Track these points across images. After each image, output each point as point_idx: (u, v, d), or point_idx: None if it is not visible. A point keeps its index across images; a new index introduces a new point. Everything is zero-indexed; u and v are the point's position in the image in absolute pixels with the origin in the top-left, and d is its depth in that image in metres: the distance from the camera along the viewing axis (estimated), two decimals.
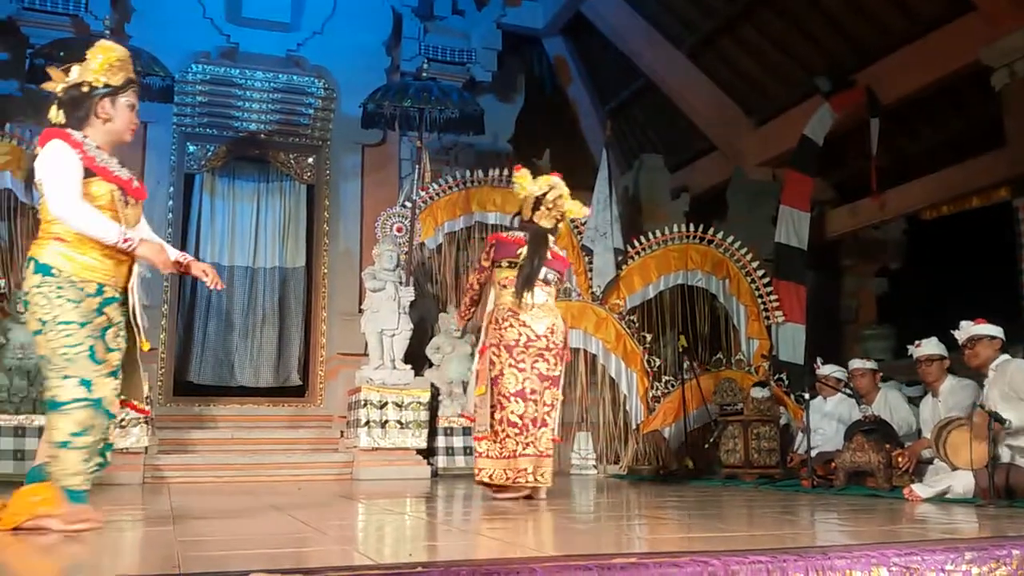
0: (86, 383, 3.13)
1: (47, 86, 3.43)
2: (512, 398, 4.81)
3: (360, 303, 8.51)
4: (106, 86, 3.35)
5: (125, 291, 3.38)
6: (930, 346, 5.57)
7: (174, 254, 3.53)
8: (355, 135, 9.13)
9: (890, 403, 6.37)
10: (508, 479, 4.80)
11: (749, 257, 9.02)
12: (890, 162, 9.52)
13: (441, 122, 8.69)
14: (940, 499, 4.79)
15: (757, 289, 8.94)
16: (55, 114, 3.36)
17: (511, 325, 4.86)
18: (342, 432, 8.39)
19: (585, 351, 8.52)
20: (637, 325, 8.62)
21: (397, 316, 8.05)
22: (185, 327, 9.16)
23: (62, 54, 7.52)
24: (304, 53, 9.17)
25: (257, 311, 9.39)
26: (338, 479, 7.55)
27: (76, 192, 3.19)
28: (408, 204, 8.71)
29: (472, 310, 5.48)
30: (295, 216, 9.68)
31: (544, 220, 5.11)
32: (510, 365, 4.83)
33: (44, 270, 3.18)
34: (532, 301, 4.92)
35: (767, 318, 8.88)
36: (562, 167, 10.38)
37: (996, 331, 5.10)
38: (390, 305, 8.04)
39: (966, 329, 5.16)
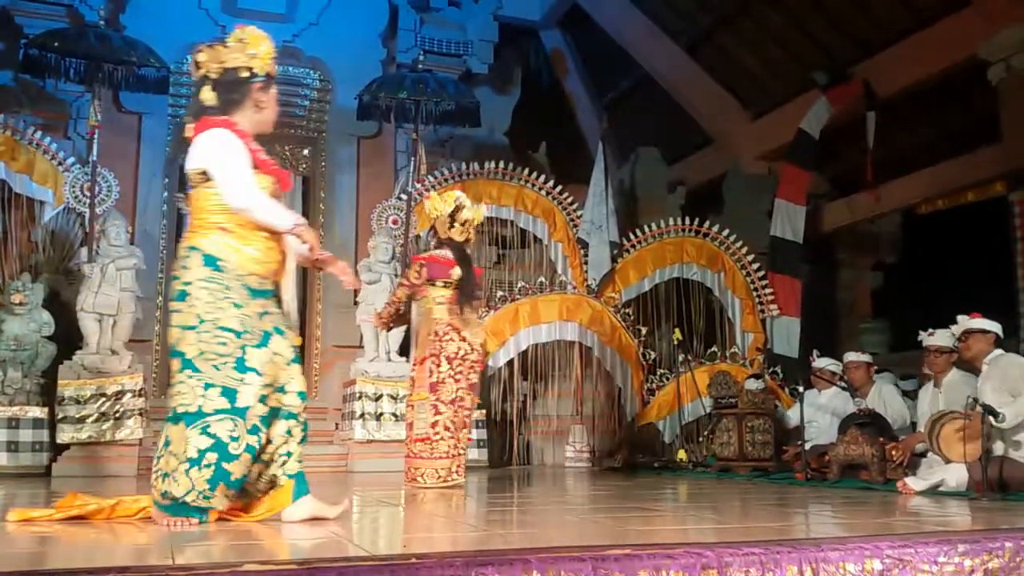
0: (229, 393, 3.01)
1: (194, 72, 3.31)
2: (447, 405, 5.25)
3: (355, 295, 8.50)
4: (266, 75, 3.31)
5: (275, 285, 3.27)
6: (943, 337, 5.52)
7: None
8: (351, 127, 9.11)
9: (884, 396, 6.38)
10: (440, 477, 5.21)
11: (744, 251, 9.04)
12: (886, 156, 9.53)
13: (437, 114, 8.68)
14: (933, 492, 4.79)
15: (752, 282, 8.95)
16: (209, 96, 3.24)
17: (452, 339, 5.28)
18: (337, 424, 8.39)
19: (580, 344, 8.53)
20: (632, 318, 8.62)
21: None
22: None
23: (56, 44, 7.50)
24: (300, 44, 9.15)
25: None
26: (333, 471, 7.55)
27: (253, 181, 3.12)
28: (404, 196, 8.69)
29: (395, 320, 5.76)
30: (290, 208, 9.64)
31: (459, 235, 5.50)
32: (449, 375, 5.26)
33: (212, 263, 3.06)
34: (470, 317, 5.40)
35: (762, 311, 8.90)
36: (558, 160, 10.53)
37: (990, 325, 5.10)
38: (385, 297, 8.02)
39: (962, 323, 5.18)
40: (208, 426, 2.96)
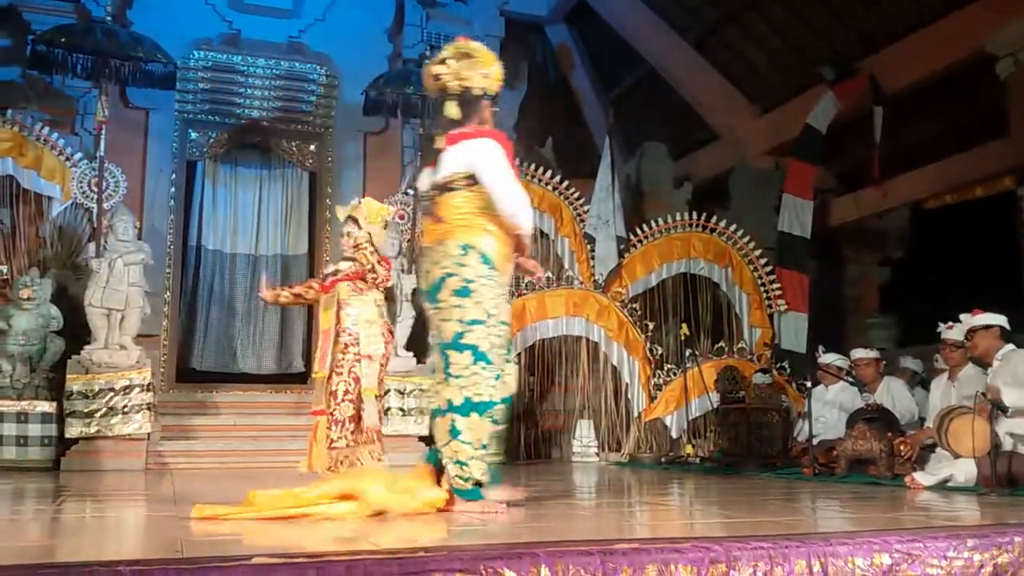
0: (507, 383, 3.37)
1: (430, 84, 3.60)
2: (381, 399, 5.62)
3: None
4: (494, 95, 3.56)
5: None
6: (960, 331, 5.47)
7: None
8: (357, 122, 9.11)
9: (892, 392, 6.37)
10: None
11: (752, 245, 9.02)
12: (893, 151, 9.48)
13: None
14: (942, 487, 4.79)
15: (760, 277, 8.93)
16: (454, 111, 3.49)
17: (388, 341, 5.56)
18: None
19: (587, 339, 8.52)
20: (639, 313, 8.61)
21: (399, 304, 8.05)
22: (187, 314, 9.15)
23: (64, 40, 7.52)
24: (306, 40, 9.14)
25: (259, 298, 9.37)
26: None
27: (519, 188, 3.42)
28: (410, 192, 8.68)
29: (287, 303, 5.89)
30: (297, 203, 9.66)
31: (385, 240, 5.79)
32: (384, 374, 5.62)
33: (487, 261, 3.35)
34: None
35: (769, 306, 8.88)
36: (564, 155, 10.52)
37: (993, 319, 5.08)
38: (392, 293, 8.04)
39: (966, 322, 5.16)
40: (495, 416, 3.25)
